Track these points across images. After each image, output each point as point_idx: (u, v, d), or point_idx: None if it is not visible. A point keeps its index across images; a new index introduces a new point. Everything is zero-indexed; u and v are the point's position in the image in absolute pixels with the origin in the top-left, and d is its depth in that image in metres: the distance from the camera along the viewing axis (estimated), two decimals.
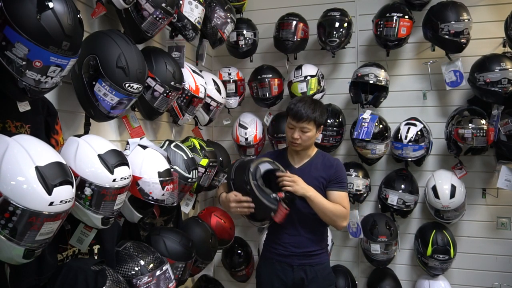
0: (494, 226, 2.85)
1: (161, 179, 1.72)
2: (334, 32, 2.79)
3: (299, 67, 2.93)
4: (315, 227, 2.06)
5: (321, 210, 1.94)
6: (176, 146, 2.15)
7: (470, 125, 2.57)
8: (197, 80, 2.33)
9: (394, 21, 2.69)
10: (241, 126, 3.02)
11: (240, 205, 1.88)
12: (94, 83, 1.51)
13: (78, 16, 1.24)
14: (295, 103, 2.01)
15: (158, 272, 1.61)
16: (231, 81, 3.00)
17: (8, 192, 1.05)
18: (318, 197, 1.94)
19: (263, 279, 2.14)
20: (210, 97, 2.58)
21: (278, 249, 2.08)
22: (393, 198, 2.77)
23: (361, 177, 2.84)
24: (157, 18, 1.78)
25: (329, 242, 2.85)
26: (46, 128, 1.44)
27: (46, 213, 1.10)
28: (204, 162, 2.33)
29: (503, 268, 2.81)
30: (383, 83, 2.74)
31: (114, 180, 1.38)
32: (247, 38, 2.96)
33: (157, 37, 2.22)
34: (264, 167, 1.92)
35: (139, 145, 1.81)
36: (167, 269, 1.68)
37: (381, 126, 2.76)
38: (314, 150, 2.14)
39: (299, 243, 2.04)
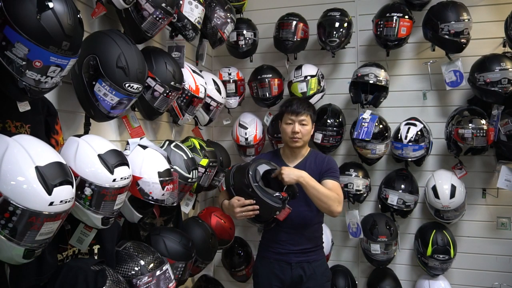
0: (494, 226, 2.85)
1: (161, 179, 1.72)
2: (334, 32, 2.79)
3: (299, 67, 2.93)
4: (311, 224, 2.09)
5: (315, 193, 1.92)
6: (176, 146, 2.15)
7: (470, 125, 2.57)
8: (197, 80, 2.33)
9: (394, 21, 2.69)
10: (241, 126, 3.01)
11: (245, 209, 1.89)
12: (94, 83, 1.51)
13: (78, 16, 1.24)
14: (290, 101, 2.16)
15: (158, 272, 1.61)
16: (231, 81, 3.00)
17: (8, 192, 1.05)
18: (311, 180, 1.93)
19: (261, 279, 2.14)
20: (210, 97, 2.58)
21: (275, 247, 2.10)
22: (393, 198, 2.77)
23: (361, 177, 2.84)
24: (157, 18, 1.78)
25: (329, 242, 2.87)
26: (46, 128, 1.44)
27: (46, 213, 1.10)
28: (204, 162, 2.33)
29: (503, 268, 2.81)
30: (383, 83, 2.74)
31: (114, 180, 1.38)
32: (247, 38, 2.96)
33: (157, 37, 2.21)
34: (262, 168, 1.94)
35: (139, 145, 1.81)
36: (167, 269, 1.68)
37: (381, 126, 2.76)
38: (307, 150, 2.19)
39: (296, 240, 2.07)
